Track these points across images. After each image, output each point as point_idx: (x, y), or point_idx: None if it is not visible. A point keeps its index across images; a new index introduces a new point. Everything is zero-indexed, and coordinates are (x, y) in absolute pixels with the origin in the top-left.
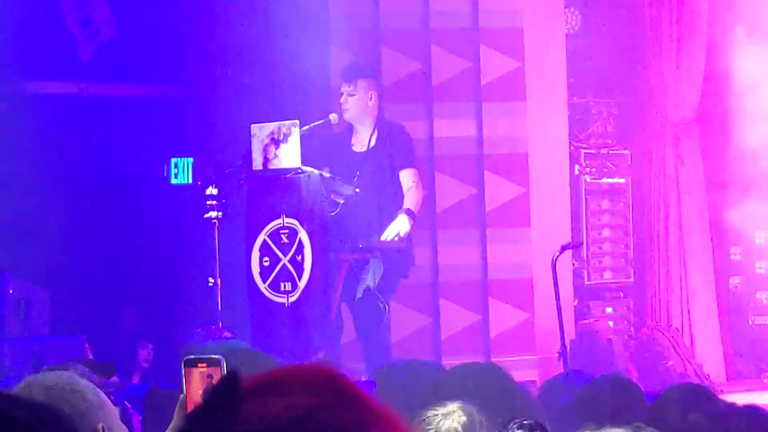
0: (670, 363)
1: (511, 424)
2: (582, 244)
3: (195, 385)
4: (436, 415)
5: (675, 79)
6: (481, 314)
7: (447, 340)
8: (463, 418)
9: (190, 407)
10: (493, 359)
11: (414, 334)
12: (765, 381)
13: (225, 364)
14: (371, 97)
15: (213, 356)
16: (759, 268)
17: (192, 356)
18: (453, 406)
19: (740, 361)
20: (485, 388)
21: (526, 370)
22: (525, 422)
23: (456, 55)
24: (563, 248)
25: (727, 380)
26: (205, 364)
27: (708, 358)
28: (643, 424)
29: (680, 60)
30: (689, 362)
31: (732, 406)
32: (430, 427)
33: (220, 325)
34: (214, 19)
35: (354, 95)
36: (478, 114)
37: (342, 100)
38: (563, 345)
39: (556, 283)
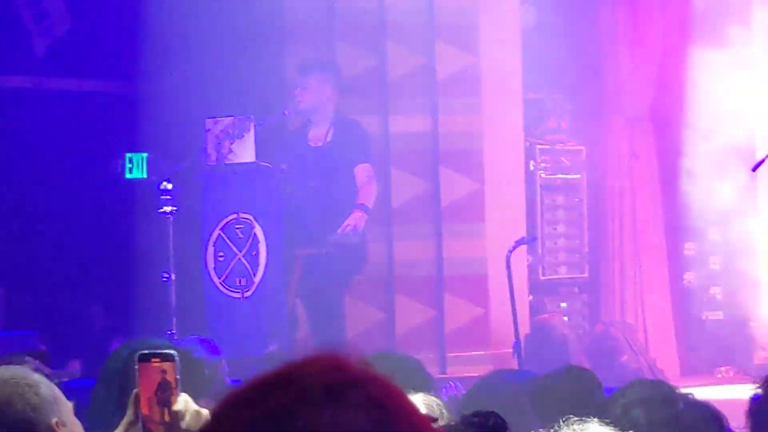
0: (625, 358)
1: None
2: (536, 239)
3: (148, 380)
4: None
5: (630, 75)
6: (436, 309)
7: (402, 335)
8: (424, 411)
9: (144, 402)
10: (449, 354)
11: (369, 329)
12: (718, 376)
13: (178, 359)
14: (326, 92)
15: (167, 351)
16: (713, 263)
17: (146, 351)
18: (416, 397)
19: (694, 357)
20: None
21: (480, 366)
22: (481, 411)
23: (412, 51)
24: (517, 243)
25: (681, 375)
26: (158, 360)
27: (662, 353)
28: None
29: (635, 56)
30: (643, 357)
31: (689, 402)
32: None
33: (174, 321)
34: (169, 13)
35: (309, 90)
36: (434, 109)
37: (297, 93)
38: (517, 340)
39: (510, 279)
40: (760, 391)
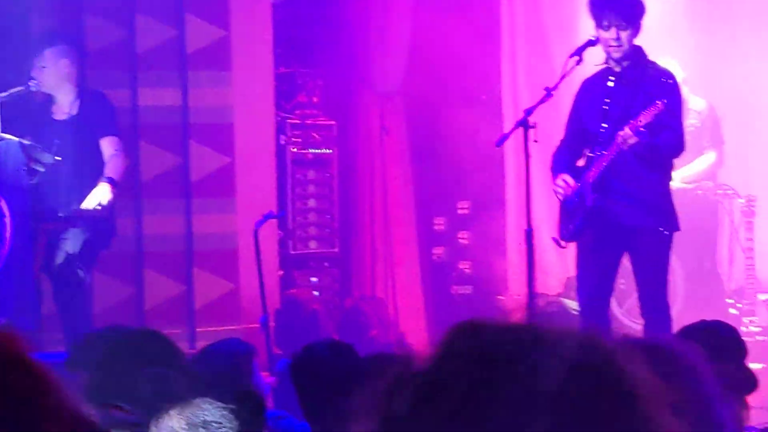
0: (374, 333)
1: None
2: (285, 213)
3: None
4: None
5: (381, 50)
6: (186, 284)
7: (150, 310)
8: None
9: None
10: (198, 330)
11: (117, 304)
12: None
13: None
14: (64, 66)
15: None
16: (461, 238)
17: None
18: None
19: (443, 331)
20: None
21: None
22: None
23: (161, 23)
24: (265, 217)
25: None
26: None
27: (411, 327)
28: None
29: (386, 32)
30: (392, 332)
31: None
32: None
33: None
34: None
35: (44, 67)
36: (183, 83)
37: (33, 73)
38: (264, 315)
39: (258, 253)
40: None
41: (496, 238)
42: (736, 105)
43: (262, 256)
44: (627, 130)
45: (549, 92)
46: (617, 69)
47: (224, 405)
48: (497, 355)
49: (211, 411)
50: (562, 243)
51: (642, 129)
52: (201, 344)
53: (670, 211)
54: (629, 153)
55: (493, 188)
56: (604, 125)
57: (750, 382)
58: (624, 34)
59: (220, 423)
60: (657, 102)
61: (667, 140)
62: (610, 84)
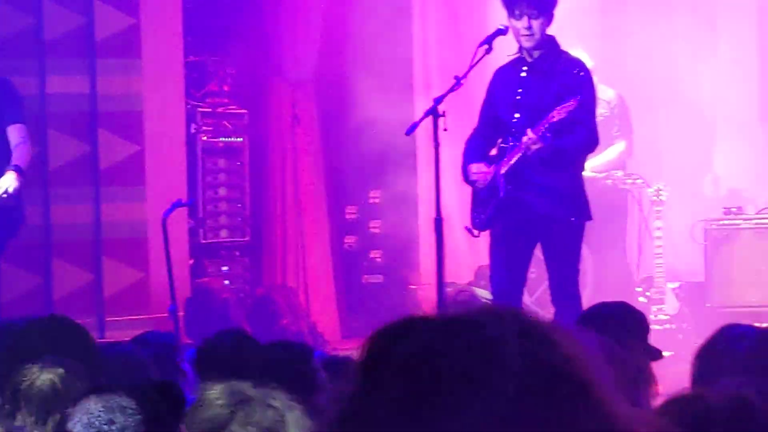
0: (285, 322)
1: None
2: (193, 202)
3: None
4: (32, 368)
5: (292, 38)
6: (95, 273)
7: (59, 300)
8: (60, 370)
9: None
10: (108, 319)
11: (25, 294)
12: None
13: None
14: None
15: None
16: (373, 227)
17: None
18: (49, 360)
19: (354, 320)
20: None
21: (141, 330)
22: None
23: (69, 10)
24: (173, 206)
25: (342, 338)
26: None
27: (323, 316)
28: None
29: (297, 20)
30: (304, 321)
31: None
32: (25, 379)
33: None
34: None
35: None
36: (92, 71)
37: None
38: (173, 304)
39: (166, 242)
40: None
41: (408, 228)
42: (644, 94)
43: (172, 245)
44: (531, 134)
45: (458, 81)
46: (530, 59)
47: (142, 393)
48: (438, 363)
49: (127, 398)
50: (475, 232)
51: (548, 133)
52: (111, 334)
53: (582, 201)
54: (535, 157)
55: (404, 177)
56: (516, 115)
57: (652, 353)
58: (536, 23)
59: (135, 410)
60: (571, 100)
61: (577, 139)
62: (523, 74)
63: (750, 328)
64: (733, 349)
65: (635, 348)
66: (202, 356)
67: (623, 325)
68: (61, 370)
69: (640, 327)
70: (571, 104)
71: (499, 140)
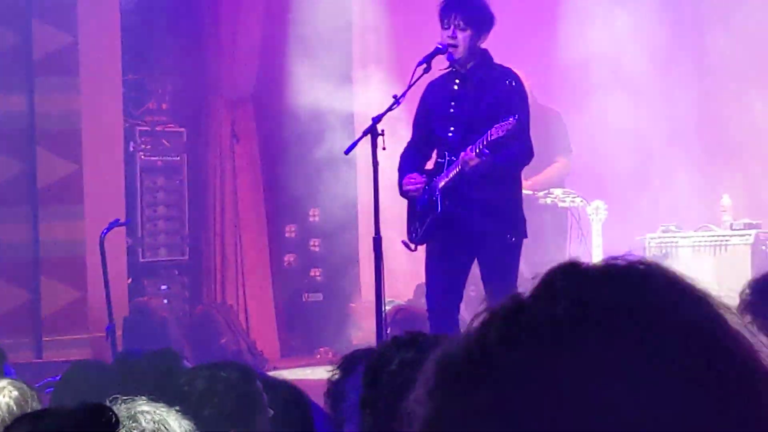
0: (224, 340)
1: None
2: (130, 221)
3: None
4: None
5: (231, 57)
6: (32, 293)
7: None
8: (15, 393)
9: None
10: (45, 339)
11: None
12: (318, 357)
13: None
14: None
15: None
16: (313, 245)
17: None
18: (3, 382)
19: (294, 337)
20: None
21: (79, 349)
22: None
23: (6, 28)
24: (111, 225)
25: (281, 356)
26: None
27: (262, 334)
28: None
29: (236, 39)
30: (243, 339)
31: (270, 382)
32: None
33: None
34: None
35: None
36: (30, 89)
37: None
38: (110, 324)
39: (104, 261)
40: (338, 373)
41: (348, 246)
42: (583, 114)
43: (110, 264)
44: (469, 152)
45: (397, 100)
46: (462, 71)
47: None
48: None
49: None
50: (412, 246)
51: (486, 149)
52: (48, 354)
53: (518, 219)
54: (471, 172)
55: (344, 196)
56: (451, 129)
57: None
58: (461, 35)
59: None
60: (509, 118)
61: (513, 154)
62: (456, 87)
63: None
64: None
65: None
66: (125, 374)
67: None
68: (15, 393)
69: None
70: (509, 122)
71: (435, 155)
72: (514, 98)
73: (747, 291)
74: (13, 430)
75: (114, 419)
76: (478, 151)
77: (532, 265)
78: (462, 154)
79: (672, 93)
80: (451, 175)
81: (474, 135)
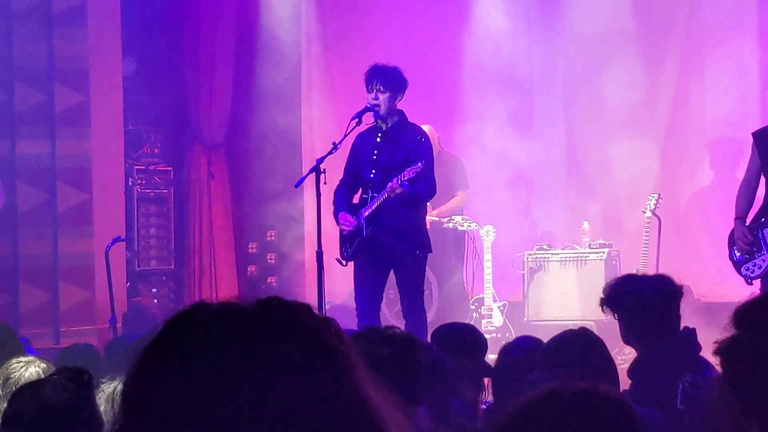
0: None
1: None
2: (129, 238)
3: None
4: (19, 362)
5: (208, 113)
6: (52, 293)
7: (24, 313)
8: (43, 365)
9: None
10: (62, 329)
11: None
12: None
13: None
14: None
15: None
16: (270, 259)
17: None
18: (31, 357)
19: None
20: None
21: (88, 338)
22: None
23: (35, 89)
24: (114, 241)
25: None
26: None
27: None
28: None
29: (213, 94)
30: None
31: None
32: (15, 373)
33: None
34: None
35: None
36: (52, 136)
37: None
38: (113, 317)
39: (108, 269)
40: None
41: (297, 259)
42: (479, 156)
43: (113, 272)
44: (395, 182)
45: (335, 146)
46: (384, 127)
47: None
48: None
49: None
50: (344, 262)
51: (406, 182)
52: (64, 341)
53: (424, 239)
54: (395, 199)
55: (294, 220)
56: (373, 171)
57: (485, 370)
58: (382, 96)
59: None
60: (418, 163)
61: (423, 188)
62: (378, 139)
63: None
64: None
65: (475, 363)
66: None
67: (468, 342)
68: (44, 365)
69: (481, 345)
70: (418, 167)
71: (360, 191)
72: (422, 149)
73: (603, 293)
74: (18, 397)
75: (87, 377)
76: (400, 182)
77: (438, 275)
78: (389, 184)
79: (545, 137)
80: (373, 207)
81: (391, 177)
